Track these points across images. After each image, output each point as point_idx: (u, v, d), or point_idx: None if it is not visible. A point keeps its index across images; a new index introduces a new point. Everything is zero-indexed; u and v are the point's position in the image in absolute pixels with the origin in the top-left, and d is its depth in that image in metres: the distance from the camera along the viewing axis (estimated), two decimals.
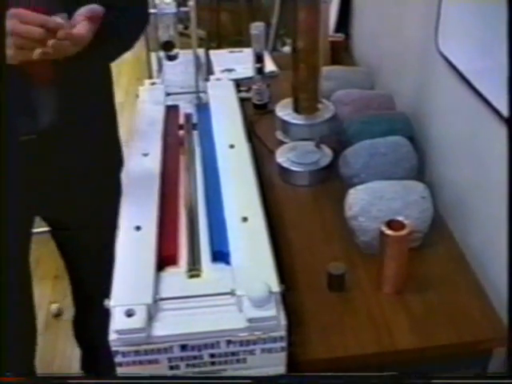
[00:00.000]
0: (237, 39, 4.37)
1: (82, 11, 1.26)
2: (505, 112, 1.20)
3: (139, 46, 4.43)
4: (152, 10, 1.68)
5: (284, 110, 1.63)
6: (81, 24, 1.24)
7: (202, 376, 1.10)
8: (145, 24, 1.59)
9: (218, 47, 4.31)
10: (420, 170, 1.61)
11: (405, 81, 1.87)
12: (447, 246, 1.45)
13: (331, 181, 1.66)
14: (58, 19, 1.22)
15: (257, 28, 1.90)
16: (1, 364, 1.42)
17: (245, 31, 4.15)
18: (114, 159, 1.69)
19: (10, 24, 1.16)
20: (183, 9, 1.77)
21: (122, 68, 4.52)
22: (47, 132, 1.44)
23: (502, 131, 1.23)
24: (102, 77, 1.61)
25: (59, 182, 1.55)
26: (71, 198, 1.61)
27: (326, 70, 1.86)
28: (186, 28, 2.43)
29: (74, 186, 1.58)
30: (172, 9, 1.67)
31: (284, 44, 3.75)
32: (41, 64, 1.29)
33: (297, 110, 1.61)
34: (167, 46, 1.61)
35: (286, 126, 1.62)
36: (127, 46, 1.56)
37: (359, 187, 1.45)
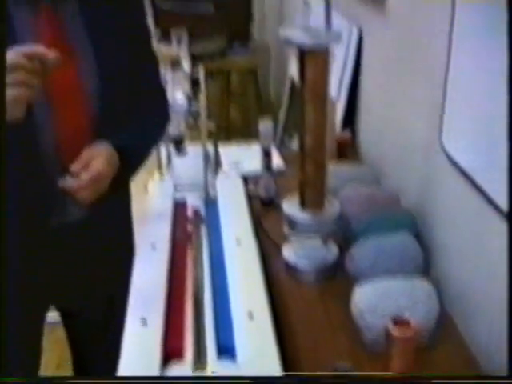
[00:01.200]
0: (245, 132, 4.45)
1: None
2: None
3: None
4: None
5: (291, 206, 1.65)
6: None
7: (201, 376, 1.10)
8: (167, 122, 1.66)
9: (227, 140, 4.39)
10: (426, 267, 1.62)
11: (410, 178, 1.89)
12: (453, 343, 1.44)
13: (337, 277, 1.66)
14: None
15: (265, 125, 1.94)
16: (1, 364, 1.41)
17: (253, 125, 4.25)
18: (128, 249, 1.71)
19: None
20: (194, 106, 1.82)
21: None
22: (73, 223, 1.48)
23: (504, 227, 1.24)
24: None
25: (76, 270, 1.58)
26: (86, 286, 1.63)
27: (332, 166, 1.89)
28: (196, 121, 2.49)
29: (89, 275, 1.61)
30: (183, 106, 1.72)
31: (291, 138, 3.81)
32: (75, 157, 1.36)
33: (304, 206, 1.63)
34: (178, 141, 1.65)
35: (292, 221, 1.64)
36: (153, 146, 1.64)
37: (365, 284, 1.45)
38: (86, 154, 1.37)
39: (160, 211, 1.71)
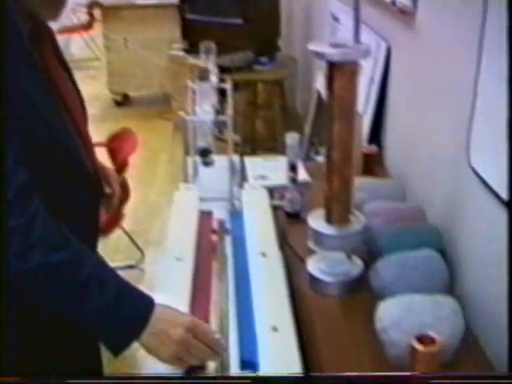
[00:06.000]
0: (270, 146, 4.45)
1: None
2: None
3: (176, 149, 4.56)
4: (190, 117, 1.75)
5: (316, 220, 1.65)
6: None
7: (202, 376, 1.12)
8: None
9: (252, 152, 4.40)
10: (451, 283, 1.60)
11: (436, 193, 1.88)
12: (476, 361, 1.43)
13: (361, 292, 1.66)
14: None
15: (291, 138, 1.94)
16: (1, 364, 1.41)
17: (279, 138, 4.26)
18: None
19: (184, 336, 1.22)
20: (221, 118, 1.83)
21: (157, 169, 4.64)
22: None
23: None
24: None
25: None
26: None
27: (358, 181, 1.88)
28: (221, 132, 2.51)
29: None
30: (210, 117, 1.73)
31: (317, 152, 3.80)
32: None
33: (329, 220, 1.63)
34: (204, 152, 1.66)
35: (317, 235, 1.63)
36: None
37: (390, 300, 1.44)
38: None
39: (185, 222, 1.72)
